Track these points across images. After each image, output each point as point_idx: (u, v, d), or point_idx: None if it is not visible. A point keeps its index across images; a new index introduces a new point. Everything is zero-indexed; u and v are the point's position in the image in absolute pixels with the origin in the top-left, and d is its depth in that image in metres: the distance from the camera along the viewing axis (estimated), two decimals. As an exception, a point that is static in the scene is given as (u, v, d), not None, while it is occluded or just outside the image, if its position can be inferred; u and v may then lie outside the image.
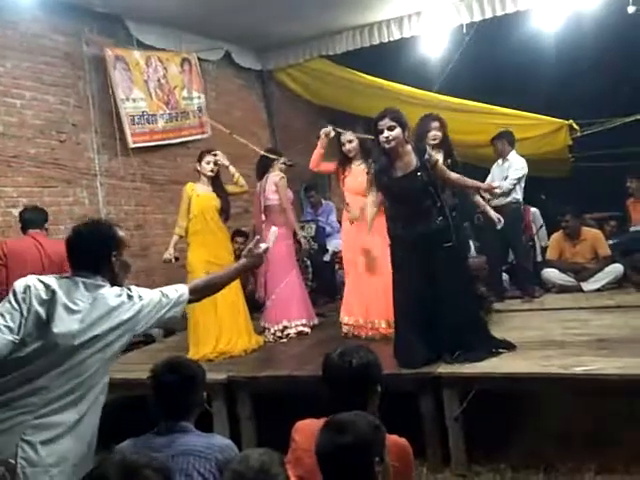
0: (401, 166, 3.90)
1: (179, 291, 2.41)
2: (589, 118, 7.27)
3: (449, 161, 5.02)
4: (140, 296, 2.30)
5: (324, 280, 6.69)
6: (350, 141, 5.03)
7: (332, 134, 5.14)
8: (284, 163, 5.45)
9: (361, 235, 4.74)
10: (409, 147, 3.90)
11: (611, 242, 6.56)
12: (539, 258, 6.97)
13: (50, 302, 2.19)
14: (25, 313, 2.17)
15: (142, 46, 6.70)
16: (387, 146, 3.83)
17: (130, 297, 2.28)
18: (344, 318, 4.98)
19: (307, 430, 2.22)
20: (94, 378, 2.21)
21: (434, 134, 4.87)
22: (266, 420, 3.97)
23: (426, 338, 3.79)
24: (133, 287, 2.35)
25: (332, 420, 1.93)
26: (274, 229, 3.03)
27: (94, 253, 2.31)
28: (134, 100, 6.52)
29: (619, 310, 5.09)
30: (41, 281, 2.25)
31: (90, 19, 6.23)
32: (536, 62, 7.56)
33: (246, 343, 4.91)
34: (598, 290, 6.08)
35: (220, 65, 7.87)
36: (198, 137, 7.10)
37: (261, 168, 5.50)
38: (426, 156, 3.91)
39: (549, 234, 7.05)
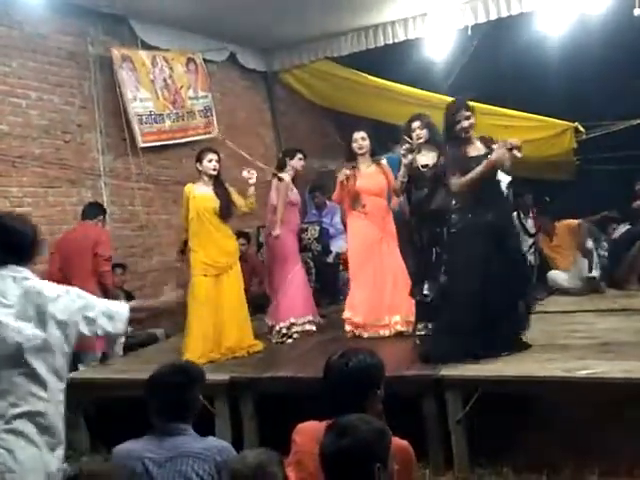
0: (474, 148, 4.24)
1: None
2: (595, 120, 7.24)
3: (442, 159, 5.02)
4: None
5: (327, 281, 6.68)
6: (364, 138, 5.06)
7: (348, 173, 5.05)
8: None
9: (373, 231, 4.93)
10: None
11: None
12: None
13: None
14: None
15: (147, 47, 6.71)
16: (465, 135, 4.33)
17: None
18: (347, 313, 4.98)
19: (308, 432, 2.20)
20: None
21: (417, 134, 4.88)
22: (268, 421, 3.96)
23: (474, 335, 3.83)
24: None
25: (336, 422, 1.91)
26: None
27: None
28: (141, 100, 6.53)
29: (624, 313, 5.07)
30: None
31: (95, 20, 6.24)
32: (542, 64, 7.52)
33: (247, 344, 4.86)
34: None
35: (225, 66, 7.86)
36: (204, 137, 7.10)
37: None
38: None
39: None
